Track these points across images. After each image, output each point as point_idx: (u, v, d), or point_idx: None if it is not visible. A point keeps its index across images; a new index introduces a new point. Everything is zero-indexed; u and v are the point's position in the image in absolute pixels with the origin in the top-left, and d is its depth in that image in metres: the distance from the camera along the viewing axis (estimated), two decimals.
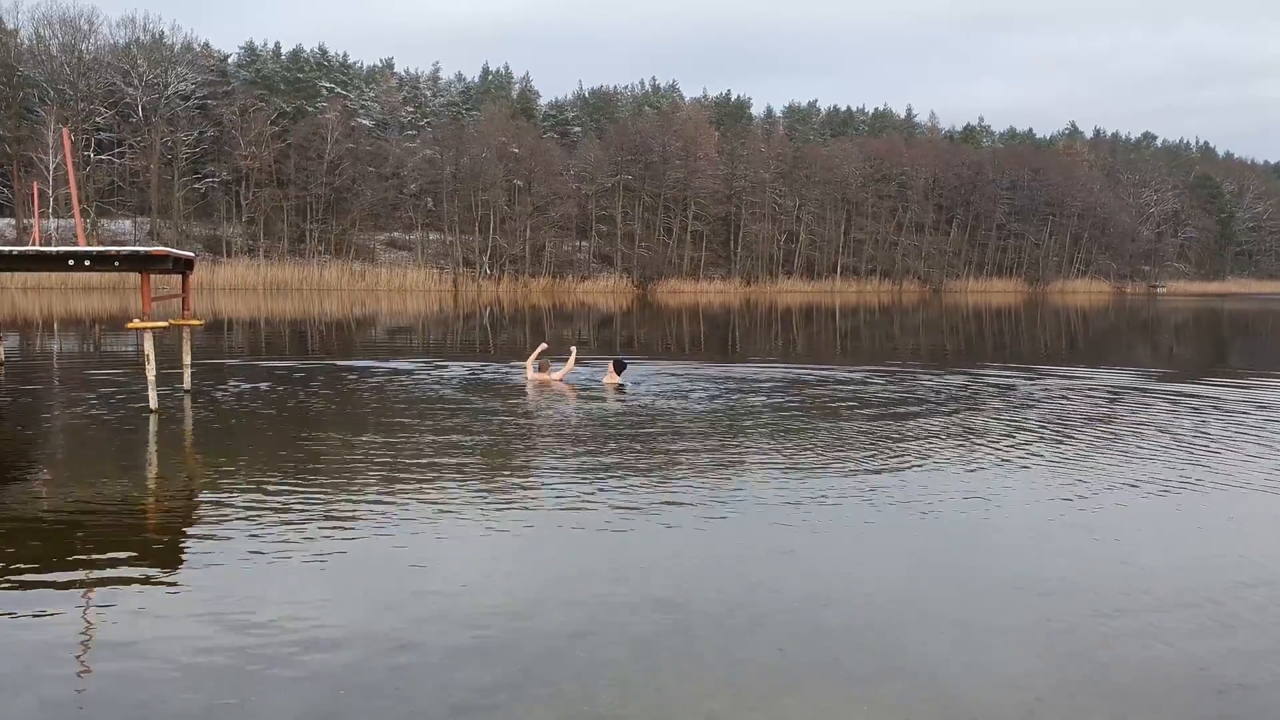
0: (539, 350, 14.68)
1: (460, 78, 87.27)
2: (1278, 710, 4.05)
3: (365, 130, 69.91)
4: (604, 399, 12.66)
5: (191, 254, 13.44)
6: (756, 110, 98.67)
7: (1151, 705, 4.04)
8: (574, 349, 14.76)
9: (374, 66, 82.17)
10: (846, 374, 16.28)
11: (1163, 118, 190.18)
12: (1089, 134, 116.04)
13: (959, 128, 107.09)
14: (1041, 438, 10.23)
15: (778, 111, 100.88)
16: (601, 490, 7.55)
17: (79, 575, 5.47)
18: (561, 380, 14.23)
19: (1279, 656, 4.59)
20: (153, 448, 9.50)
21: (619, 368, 14.24)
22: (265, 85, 69.76)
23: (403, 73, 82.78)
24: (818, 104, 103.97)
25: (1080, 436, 10.34)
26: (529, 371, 14.35)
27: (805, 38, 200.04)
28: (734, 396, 13.15)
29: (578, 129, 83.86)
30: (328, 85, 74.51)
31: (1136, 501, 7.62)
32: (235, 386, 13.79)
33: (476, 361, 17.60)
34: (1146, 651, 4.59)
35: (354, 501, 7.09)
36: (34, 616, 4.85)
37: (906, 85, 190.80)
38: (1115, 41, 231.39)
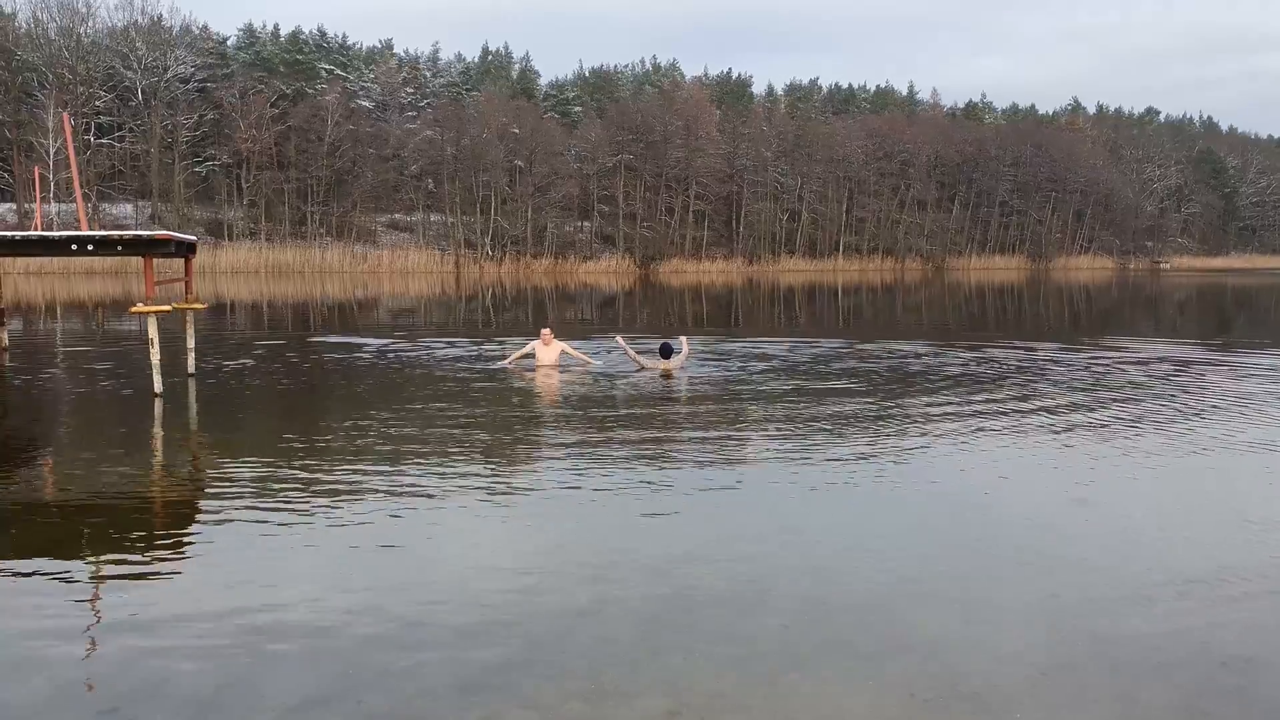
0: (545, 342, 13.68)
1: (460, 58, 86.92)
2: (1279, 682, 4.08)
3: (365, 112, 69.63)
4: (607, 380, 12.63)
5: (193, 238, 13.44)
6: (758, 89, 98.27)
7: (1156, 679, 4.06)
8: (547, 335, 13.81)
9: (373, 47, 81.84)
10: (850, 351, 16.27)
11: (1168, 93, 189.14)
12: (1091, 109, 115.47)
13: (961, 104, 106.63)
14: (1046, 413, 10.22)
15: (779, 90, 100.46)
16: (607, 470, 7.57)
17: (86, 559, 5.51)
18: (558, 361, 13.53)
19: None
20: (158, 431, 9.52)
21: (666, 352, 13.17)
22: (265, 67, 69.46)
23: (402, 53, 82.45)
24: (819, 82, 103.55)
25: (1085, 412, 10.34)
26: (538, 356, 13.55)
27: (806, 15, 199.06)
28: (738, 373, 13.15)
29: (578, 109, 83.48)
30: (327, 67, 74.21)
31: (1141, 476, 7.64)
32: (239, 369, 13.82)
33: (481, 342, 17.59)
34: (1150, 626, 4.61)
35: (360, 482, 7.11)
36: (42, 600, 4.88)
37: (909, 62, 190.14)
38: (1123, 16, 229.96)
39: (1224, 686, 4.01)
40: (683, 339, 14.04)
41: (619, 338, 14.47)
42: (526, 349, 13.97)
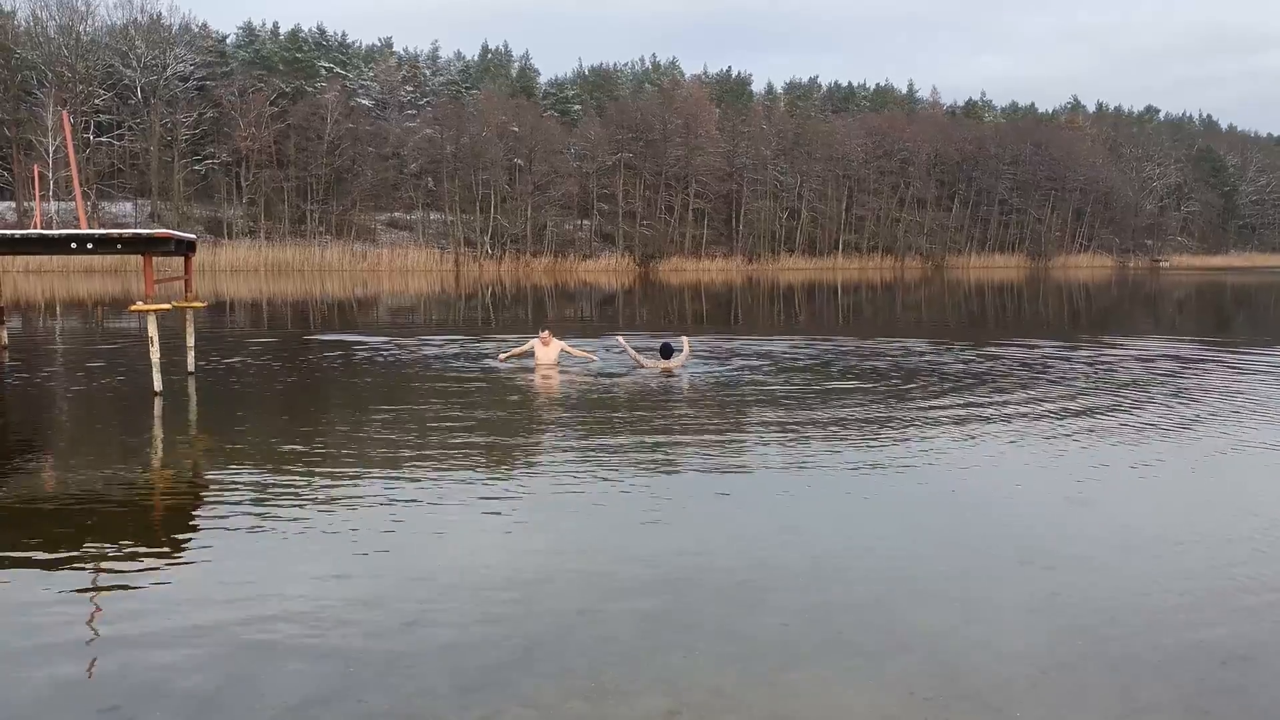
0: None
1: (459, 56, 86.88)
2: (1278, 680, 4.08)
3: (365, 110, 69.61)
4: (607, 380, 12.62)
5: (193, 236, 13.44)
6: (757, 87, 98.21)
7: (1155, 678, 4.06)
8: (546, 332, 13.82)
9: (373, 46, 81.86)
10: (851, 350, 16.27)
11: (1168, 92, 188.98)
12: (1091, 108, 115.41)
13: (961, 103, 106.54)
14: (1047, 412, 10.23)
15: (778, 88, 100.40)
16: (606, 468, 7.57)
17: (87, 557, 5.50)
18: (558, 360, 13.41)
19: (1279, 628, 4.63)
20: (157, 430, 9.52)
21: (666, 353, 13.13)
22: (264, 66, 69.45)
23: (401, 52, 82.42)
24: (819, 80, 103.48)
25: (1086, 410, 10.34)
26: (537, 356, 13.45)
27: (806, 14, 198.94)
28: (739, 372, 13.14)
29: (578, 107, 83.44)
30: (326, 65, 74.20)
31: (1142, 475, 7.64)
32: (238, 367, 13.81)
33: (479, 340, 17.58)
34: (1150, 625, 4.61)
35: (359, 481, 7.11)
36: (43, 598, 4.88)
37: (909, 61, 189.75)
38: (1123, 16, 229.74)
39: (1224, 685, 4.01)
40: (684, 338, 14.01)
41: (620, 337, 14.44)
42: (525, 347, 13.83)
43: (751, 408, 10.52)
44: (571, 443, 8.58)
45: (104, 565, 5.36)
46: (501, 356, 13.93)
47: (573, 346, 13.95)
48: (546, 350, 13.50)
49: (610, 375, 12.79)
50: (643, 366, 13.17)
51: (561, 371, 13.14)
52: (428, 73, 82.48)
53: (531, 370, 13.22)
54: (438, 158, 66.13)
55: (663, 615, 4.65)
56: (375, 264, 60.94)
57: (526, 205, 66.30)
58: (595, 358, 13.89)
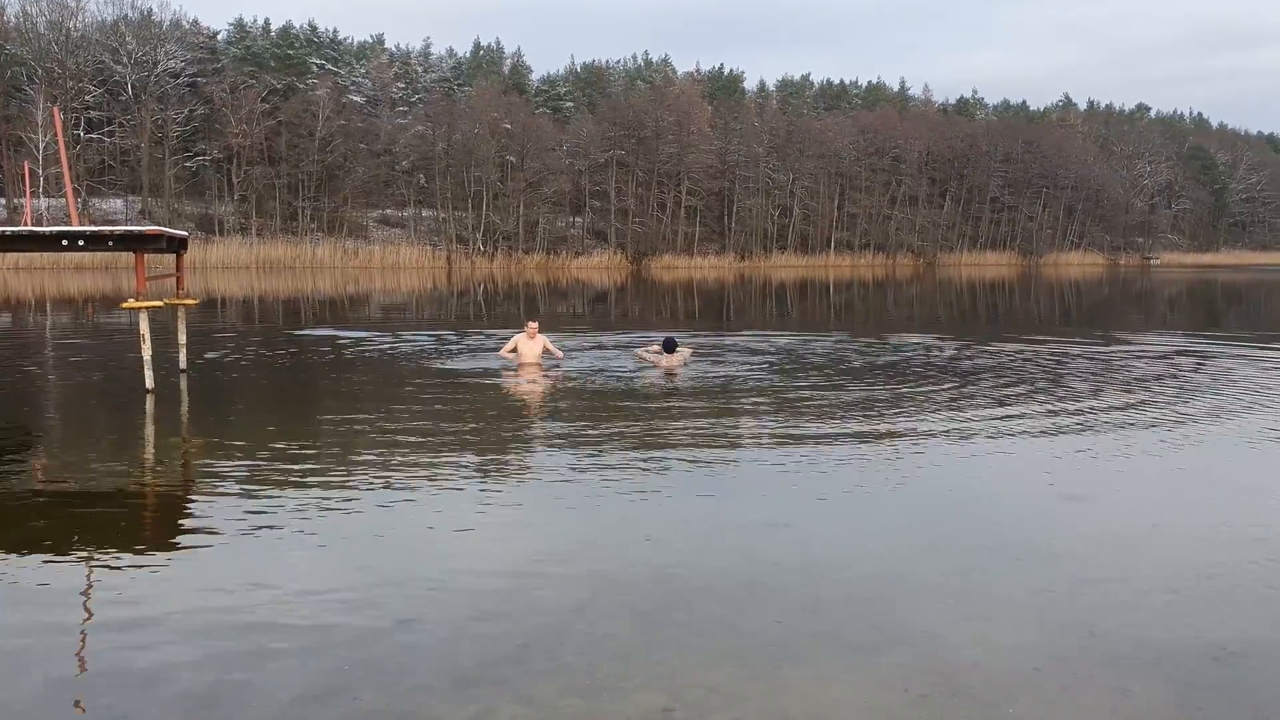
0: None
1: (451, 53, 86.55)
2: (1272, 675, 4.09)
3: (356, 107, 69.43)
4: (602, 377, 12.62)
5: (185, 233, 13.39)
6: (749, 84, 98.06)
7: (1149, 673, 4.08)
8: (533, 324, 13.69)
9: (364, 42, 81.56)
10: (844, 347, 16.28)
11: (1162, 87, 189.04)
12: (1082, 105, 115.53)
13: (953, 100, 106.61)
14: (1041, 407, 10.25)
15: (771, 85, 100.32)
16: (599, 464, 7.57)
17: (79, 555, 5.48)
18: (541, 358, 13.26)
19: (1273, 623, 4.64)
20: (150, 427, 9.50)
21: (669, 347, 13.02)
22: (255, 62, 69.15)
23: (393, 49, 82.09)
24: (811, 77, 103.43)
25: (1082, 405, 10.36)
26: (522, 354, 13.30)
27: (801, 10, 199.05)
28: (732, 370, 13.15)
29: (570, 104, 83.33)
30: (318, 62, 73.87)
31: (1135, 471, 7.66)
32: (230, 364, 13.78)
33: (473, 336, 17.55)
34: (1144, 620, 4.63)
35: (352, 478, 7.10)
36: (35, 596, 4.86)
37: (904, 56, 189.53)
38: (1121, 7, 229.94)
39: (1216, 680, 4.03)
40: (684, 350, 13.78)
41: (639, 351, 14.15)
42: (511, 344, 13.58)
43: (746, 405, 10.52)
44: (567, 440, 8.57)
45: (97, 563, 5.34)
46: (503, 352, 13.61)
47: (551, 343, 13.68)
48: (531, 344, 13.30)
49: (608, 374, 12.78)
50: (645, 361, 13.20)
51: (551, 368, 13.05)
52: (419, 69, 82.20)
53: (517, 366, 13.09)
54: (429, 154, 66.02)
55: (658, 612, 4.66)
56: (367, 261, 60.83)
57: (519, 202, 66.21)
58: (560, 353, 13.63)
